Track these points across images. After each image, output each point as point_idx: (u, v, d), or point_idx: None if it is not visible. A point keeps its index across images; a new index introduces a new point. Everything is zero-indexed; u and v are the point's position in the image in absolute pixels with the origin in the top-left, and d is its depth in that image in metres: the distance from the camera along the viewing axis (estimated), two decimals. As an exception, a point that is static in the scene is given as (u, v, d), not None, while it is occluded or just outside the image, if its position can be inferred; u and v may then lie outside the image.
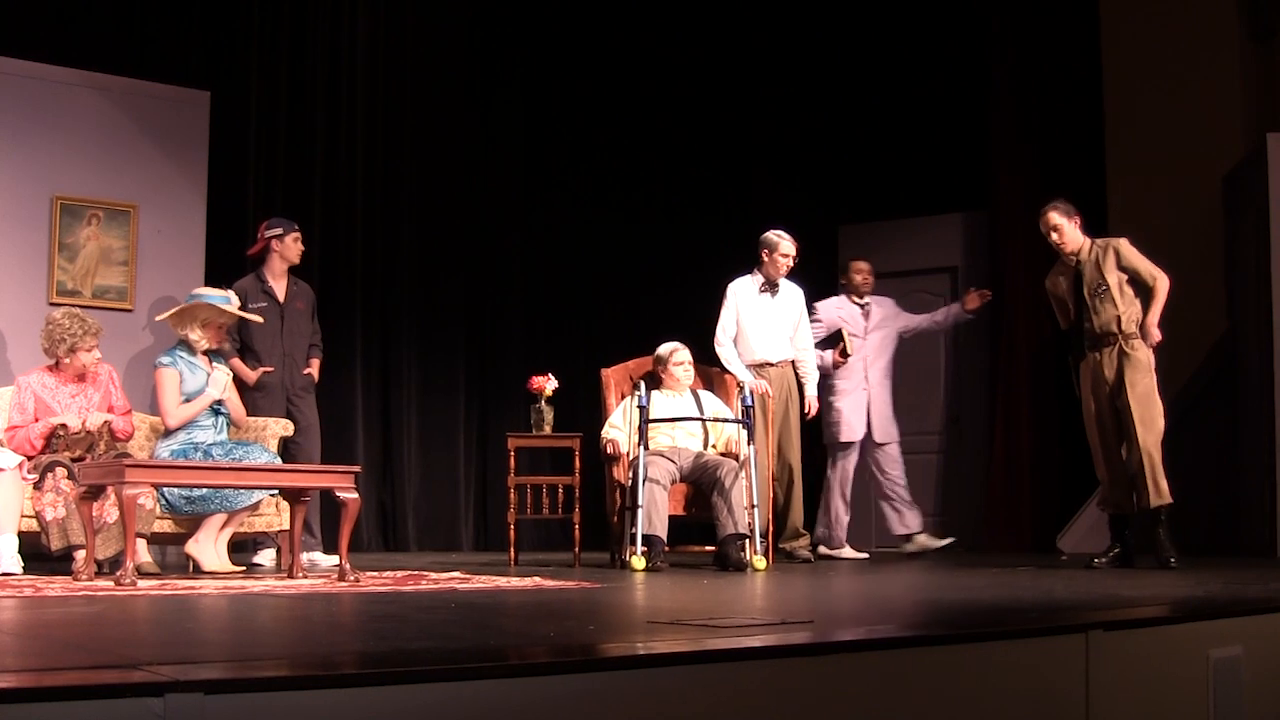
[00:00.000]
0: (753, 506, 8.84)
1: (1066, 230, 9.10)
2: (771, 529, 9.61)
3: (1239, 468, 10.77)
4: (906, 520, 11.08)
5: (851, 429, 10.96)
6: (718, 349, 10.07)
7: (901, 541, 11.12)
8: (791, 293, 10.36)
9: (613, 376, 9.84)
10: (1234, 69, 11.95)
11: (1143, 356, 8.83)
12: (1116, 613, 4.74)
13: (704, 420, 9.40)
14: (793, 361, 10.27)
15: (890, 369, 11.20)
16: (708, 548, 9.30)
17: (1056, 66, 12.81)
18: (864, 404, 11.01)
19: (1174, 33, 12.11)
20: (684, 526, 9.46)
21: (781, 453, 10.07)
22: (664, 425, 9.23)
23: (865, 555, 10.73)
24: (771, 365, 10.14)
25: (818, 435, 11.09)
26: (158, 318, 8.98)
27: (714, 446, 9.43)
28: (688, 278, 12.49)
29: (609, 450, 9.23)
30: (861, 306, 11.21)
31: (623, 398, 9.57)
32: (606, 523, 9.40)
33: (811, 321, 10.74)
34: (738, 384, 9.63)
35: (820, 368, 10.67)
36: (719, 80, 13.71)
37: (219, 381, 8.49)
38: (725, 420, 9.40)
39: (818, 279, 11.13)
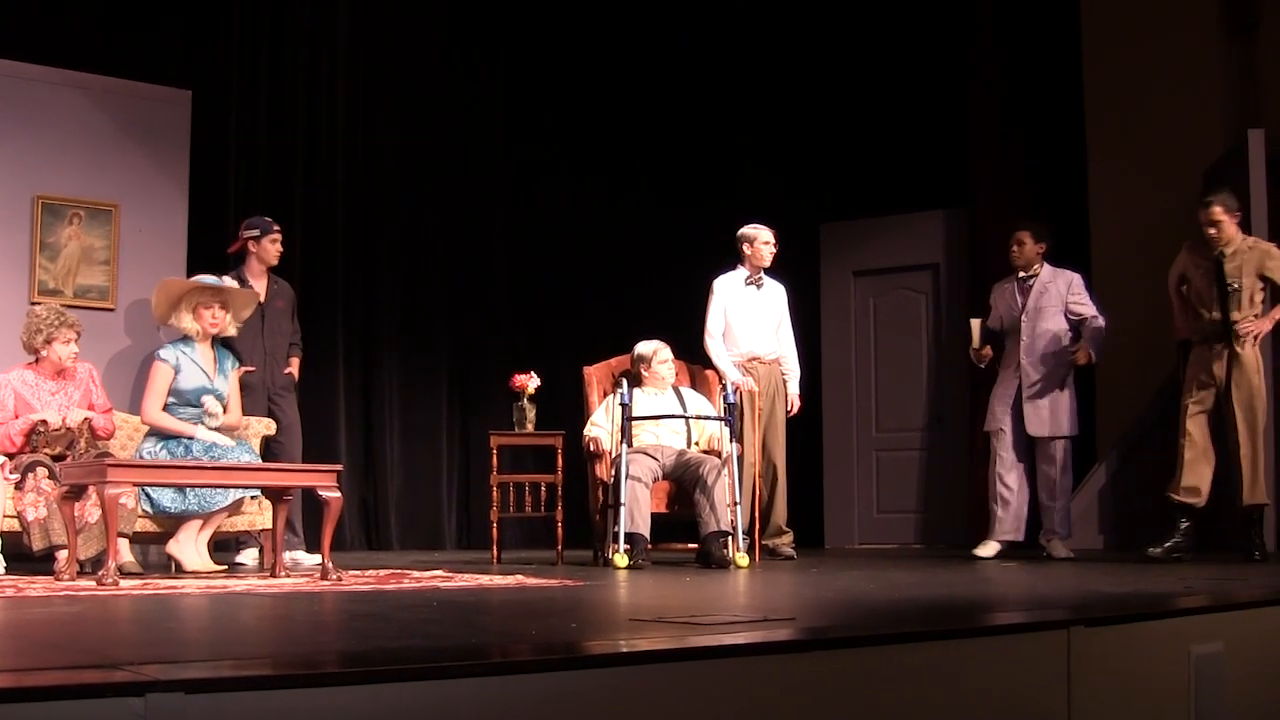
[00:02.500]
0: (735, 504, 8.83)
1: (1225, 227, 9.26)
2: (756, 526, 9.63)
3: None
4: (1042, 530, 10.15)
5: (993, 417, 10.20)
6: (709, 342, 10.07)
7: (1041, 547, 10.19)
8: (775, 288, 10.37)
9: (595, 374, 9.84)
10: (1214, 65, 11.99)
11: (1251, 358, 9.15)
12: (1098, 609, 4.74)
13: (687, 418, 9.41)
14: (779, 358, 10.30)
15: (1056, 352, 10.04)
16: (690, 545, 9.30)
17: (1037, 63, 12.85)
18: (1012, 391, 10.09)
19: (1155, 29, 12.16)
20: (666, 524, 9.45)
21: (767, 450, 10.06)
22: (647, 422, 9.22)
23: (995, 554, 10.01)
24: (761, 360, 10.15)
25: (803, 432, 11.06)
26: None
27: (697, 444, 9.43)
28: (670, 276, 12.50)
29: (591, 448, 9.23)
30: (1020, 282, 10.23)
31: (605, 395, 9.57)
32: (589, 521, 9.39)
33: (985, 309, 10.41)
34: (720, 381, 9.64)
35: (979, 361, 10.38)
36: (701, 79, 13.71)
37: (215, 437, 8.33)
38: (708, 418, 9.40)
39: (799, 277, 11.10)
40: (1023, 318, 10.13)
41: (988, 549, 10.02)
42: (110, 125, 10.28)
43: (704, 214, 12.93)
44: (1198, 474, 9.28)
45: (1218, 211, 9.23)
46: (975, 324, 10.14)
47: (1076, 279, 10.24)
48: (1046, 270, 10.22)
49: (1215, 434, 9.32)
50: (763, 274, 10.29)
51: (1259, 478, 9.09)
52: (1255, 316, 9.20)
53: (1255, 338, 9.17)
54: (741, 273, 10.26)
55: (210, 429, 8.32)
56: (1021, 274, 10.23)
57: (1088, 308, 10.12)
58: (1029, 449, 10.16)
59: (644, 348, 9.57)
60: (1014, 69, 12.78)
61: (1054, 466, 10.03)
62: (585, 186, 13.44)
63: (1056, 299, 10.12)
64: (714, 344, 10.08)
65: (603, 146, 13.53)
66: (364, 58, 12.35)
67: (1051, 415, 10.03)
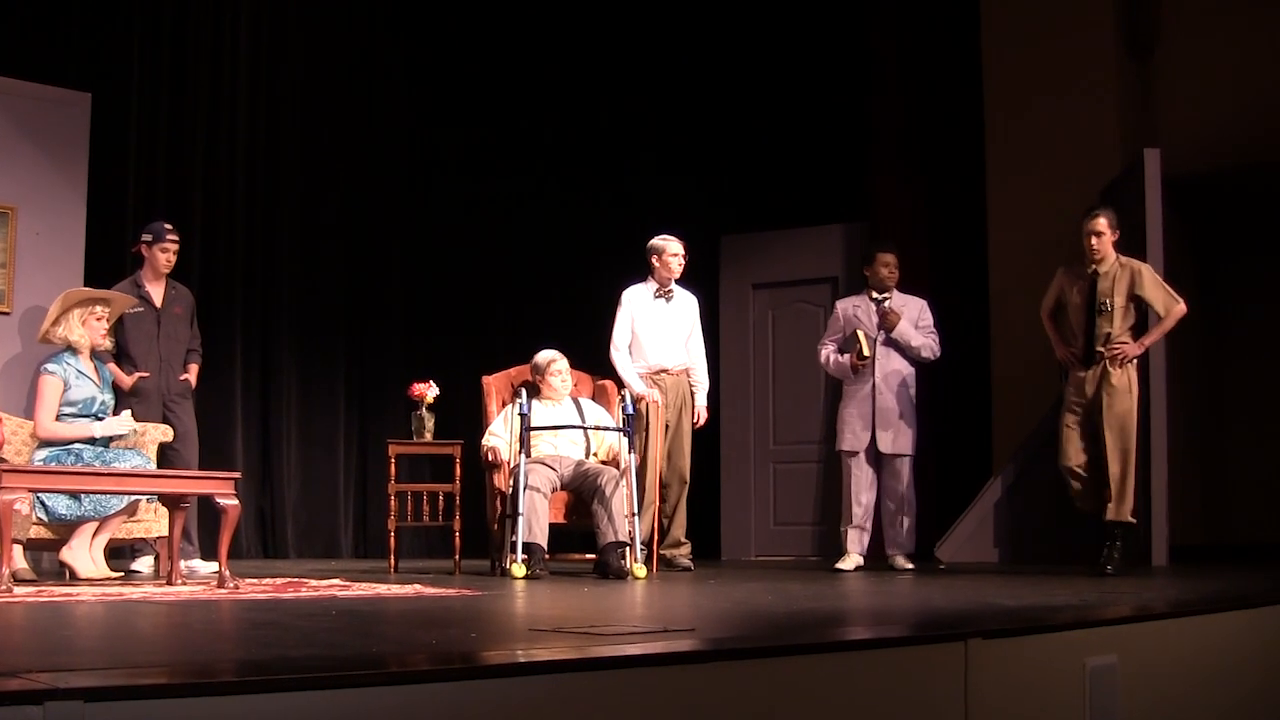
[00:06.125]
0: (634, 515, 8.86)
1: (1105, 240, 9.36)
2: (655, 537, 9.65)
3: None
4: (888, 543, 10.28)
5: (856, 437, 10.22)
6: (613, 355, 10.09)
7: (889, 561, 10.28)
8: (686, 300, 10.39)
9: (494, 383, 9.83)
10: (1111, 85, 12.14)
11: (1123, 380, 9.22)
12: (995, 621, 4.78)
13: (585, 428, 9.42)
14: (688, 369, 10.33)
15: (905, 373, 10.26)
16: (588, 556, 9.31)
17: (937, 80, 12.97)
18: (869, 410, 10.17)
19: (1053, 48, 12.31)
20: (564, 534, 9.45)
21: (672, 460, 10.09)
22: (545, 433, 9.22)
23: (856, 567, 10.05)
24: (669, 372, 10.18)
25: (701, 444, 11.07)
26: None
27: (595, 455, 9.45)
28: (571, 286, 12.53)
29: (490, 458, 9.23)
30: (878, 303, 10.30)
31: (504, 405, 9.57)
32: (486, 530, 9.38)
33: (829, 321, 10.51)
34: (619, 392, 9.66)
35: (836, 372, 10.47)
36: (601, 90, 13.73)
37: (111, 427, 8.28)
38: (606, 429, 9.41)
39: (699, 288, 11.10)
40: (878, 337, 10.24)
41: (849, 562, 10.07)
42: (8, 127, 10.15)
43: (605, 224, 12.97)
44: (1094, 493, 9.32)
45: (1101, 223, 9.35)
46: (864, 336, 10.11)
47: (925, 304, 10.42)
48: (897, 294, 10.37)
49: (1090, 448, 9.36)
50: (673, 285, 10.31)
51: (1126, 497, 9.18)
52: (1124, 342, 9.26)
53: (1124, 361, 9.24)
54: (651, 285, 10.28)
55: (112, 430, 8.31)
56: (876, 294, 10.34)
57: (934, 334, 10.32)
58: (876, 466, 10.25)
59: (541, 358, 9.59)
60: (914, 85, 12.89)
61: (901, 483, 10.20)
62: (486, 195, 13.43)
63: (909, 321, 10.26)
64: (618, 356, 10.09)
65: (504, 155, 13.52)
66: (266, 62, 12.27)
67: (901, 434, 10.19)
